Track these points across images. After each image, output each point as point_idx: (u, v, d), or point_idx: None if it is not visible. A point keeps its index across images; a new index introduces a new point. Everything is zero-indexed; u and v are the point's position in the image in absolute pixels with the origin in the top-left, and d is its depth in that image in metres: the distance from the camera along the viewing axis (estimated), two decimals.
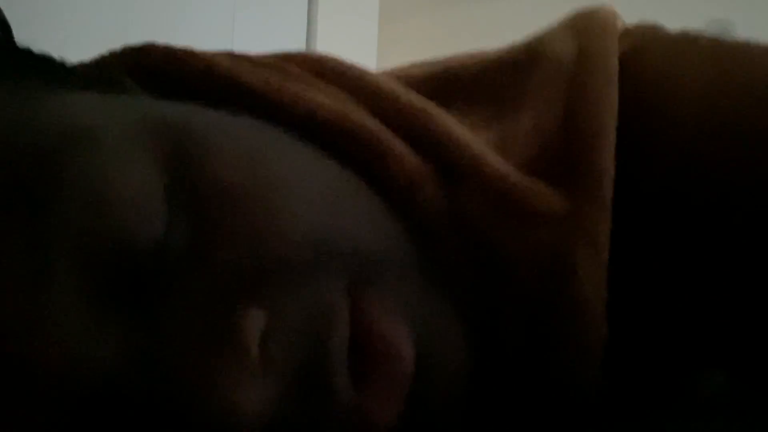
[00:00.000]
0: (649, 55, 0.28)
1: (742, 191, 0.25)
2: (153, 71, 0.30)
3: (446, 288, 0.26)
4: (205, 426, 0.20)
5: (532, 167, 0.26)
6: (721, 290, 0.25)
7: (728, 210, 0.25)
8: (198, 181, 0.22)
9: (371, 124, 0.27)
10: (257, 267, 0.22)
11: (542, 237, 0.25)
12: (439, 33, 3.86)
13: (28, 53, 0.27)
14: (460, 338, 0.25)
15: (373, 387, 0.22)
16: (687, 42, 0.29)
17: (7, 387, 0.19)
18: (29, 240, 0.20)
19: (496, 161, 0.26)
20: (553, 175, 0.26)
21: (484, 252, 0.26)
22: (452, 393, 0.24)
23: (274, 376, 0.21)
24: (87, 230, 0.20)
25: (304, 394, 0.22)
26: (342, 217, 0.24)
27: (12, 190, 0.20)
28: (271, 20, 2.22)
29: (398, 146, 0.27)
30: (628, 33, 0.30)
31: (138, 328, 0.21)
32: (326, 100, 0.28)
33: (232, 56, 0.30)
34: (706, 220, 0.25)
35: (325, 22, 2.35)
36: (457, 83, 0.31)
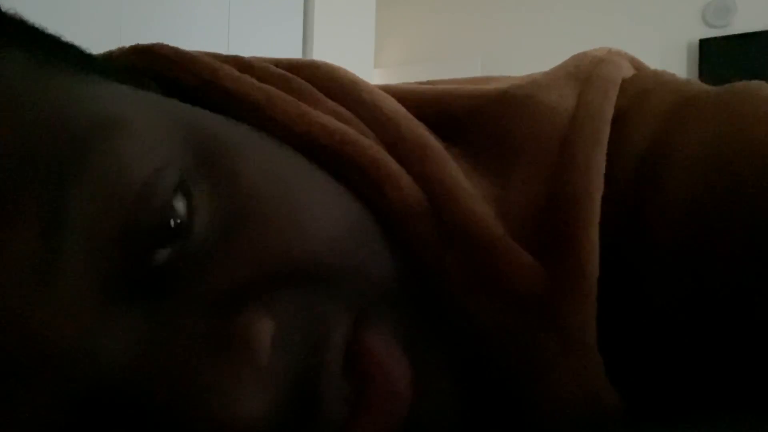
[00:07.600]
0: (646, 114, 0.27)
1: (749, 257, 0.23)
2: (160, 72, 0.30)
3: (438, 324, 0.26)
4: (204, 428, 0.20)
5: (522, 234, 0.25)
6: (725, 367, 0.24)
7: (737, 279, 0.24)
8: (226, 184, 0.23)
9: (373, 150, 0.27)
10: (271, 273, 0.22)
11: (514, 320, 0.25)
12: (436, 17, 3.84)
13: (56, 40, 0.26)
14: (450, 373, 0.25)
15: (369, 412, 0.23)
16: (689, 100, 0.28)
17: (9, 372, 0.19)
18: (45, 222, 0.19)
19: (486, 220, 0.25)
20: (540, 247, 0.25)
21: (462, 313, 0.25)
22: (442, 424, 0.25)
23: (274, 384, 0.21)
24: (104, 216, 0.20)
25: (297, 407, 0.22)
26: (356, 244, 0.25)
27: (35, 171, 0.20)
28: (269, 2, 2.20)
29: (399, 175, 0.26)
30: (631, 84, 0.29)
31: (149, 322, 0.21)
32: (327, 121, 0.27)
33: (237, 65, 0.30)
34: (711, 289, 0.24)
35: (323, 4, 2.33)
36: (454, 114, 0.30)
